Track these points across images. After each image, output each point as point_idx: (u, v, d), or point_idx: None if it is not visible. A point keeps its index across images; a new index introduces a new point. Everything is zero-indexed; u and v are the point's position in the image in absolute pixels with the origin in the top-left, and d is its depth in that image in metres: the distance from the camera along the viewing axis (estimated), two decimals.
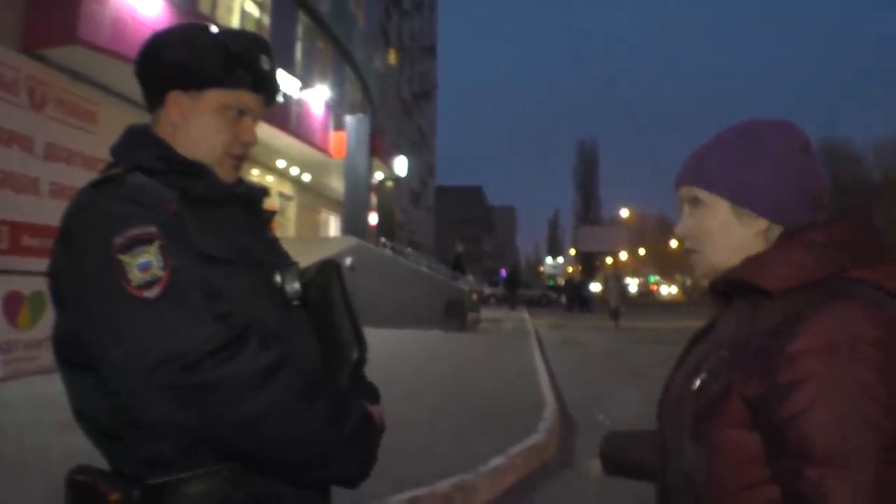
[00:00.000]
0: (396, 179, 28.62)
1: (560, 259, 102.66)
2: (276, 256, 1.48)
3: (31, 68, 6.62)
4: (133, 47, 1.45)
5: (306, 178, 22.80)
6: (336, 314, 1.47)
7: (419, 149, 52.62)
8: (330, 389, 1.32)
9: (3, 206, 5.92)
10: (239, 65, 1.40)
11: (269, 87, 1.47)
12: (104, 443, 1.28)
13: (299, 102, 18.64)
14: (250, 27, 17.17)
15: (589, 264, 67.29)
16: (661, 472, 1.25)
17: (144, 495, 1.21)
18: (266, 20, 18.58)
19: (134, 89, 1.47)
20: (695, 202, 1.23)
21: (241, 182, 1.49)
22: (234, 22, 16.97)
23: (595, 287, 46.03)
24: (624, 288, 24.88)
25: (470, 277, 25.29)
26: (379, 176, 25.85)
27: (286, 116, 17.68)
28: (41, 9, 9.84)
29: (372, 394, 1.52)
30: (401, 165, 26.71)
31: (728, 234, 1.19)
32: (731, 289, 1.18)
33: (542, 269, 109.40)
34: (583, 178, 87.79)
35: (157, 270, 1.18)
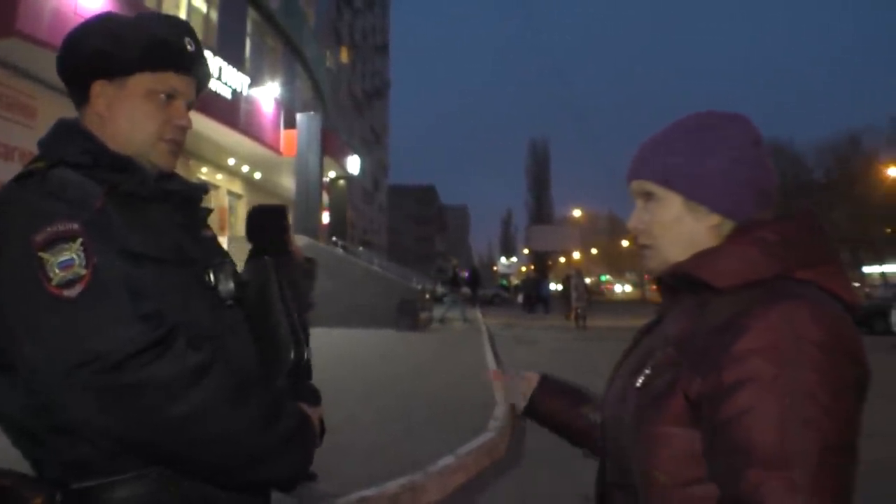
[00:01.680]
0: (349, 178, 28.39)
1: (514, 258, 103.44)
2: (212, 255, 1.44)
3: None
4: None
5: (257, 176, 22.50)
6: (274, 314, 1.44)
7: (372, 147, 52.46)
8: (264, 390, 1.29)
9: None
10: (162, 47, 1.36)
11: (196, 68, 1.43)
12: (26, 446, 1.24)
13: (249, 100, 18.34)
14: (197, 23, 16.88)
15: (542, 264, 67.87)
16: (602, 467, 1.25)
17: (67, 500, 1.17)
18: (214, 15, 18.26)
19: None
20: (647, 196, 1.21)
21: (176, 178, 1.44)
22: (181, 16, 16.63)
23: (554, 286, 46.39)
24: (586, 286, 25.00)
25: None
26: (331, 174, 25.65)
27: (236, 114, 17.40)
28: None
29: (312, 395, 1.49)
30: (353, 164, 26.52)
31: (681, 229, 1.18)
32: (678, 284, 1.17)
33: (496, 268, 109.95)
34: (535, 177, 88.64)
35: (79, 268, 1.14)
